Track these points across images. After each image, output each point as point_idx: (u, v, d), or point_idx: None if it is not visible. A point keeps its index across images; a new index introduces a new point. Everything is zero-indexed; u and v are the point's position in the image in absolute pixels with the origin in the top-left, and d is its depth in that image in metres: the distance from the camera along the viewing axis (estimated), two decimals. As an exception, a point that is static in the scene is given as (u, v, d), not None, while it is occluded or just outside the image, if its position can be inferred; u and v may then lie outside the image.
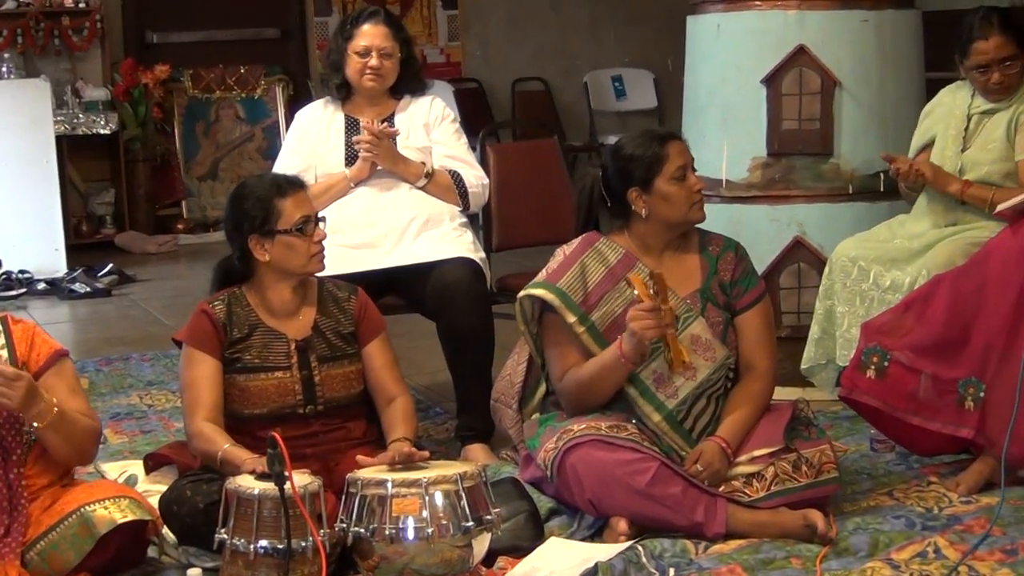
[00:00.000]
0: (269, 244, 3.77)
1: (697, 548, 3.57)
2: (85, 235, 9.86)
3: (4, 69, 9.39)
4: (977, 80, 4.59)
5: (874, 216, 5.05)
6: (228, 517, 3.31)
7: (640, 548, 3.50)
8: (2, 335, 3.48)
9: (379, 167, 4.64)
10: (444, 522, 3.30)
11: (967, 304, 4.02)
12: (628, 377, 3.79)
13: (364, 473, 3.42)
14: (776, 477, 3.70)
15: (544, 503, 3.84)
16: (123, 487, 3.69)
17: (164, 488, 3.76)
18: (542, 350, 3.98)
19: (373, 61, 4.68)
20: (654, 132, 3.97)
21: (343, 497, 3.39)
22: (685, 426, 3.82)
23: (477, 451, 4.46)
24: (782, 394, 4.12)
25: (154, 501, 3.62)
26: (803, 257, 5.20)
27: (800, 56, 5.18)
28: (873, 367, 4.11)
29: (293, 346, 3.82)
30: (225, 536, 3.30)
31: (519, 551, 3.57)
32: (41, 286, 8.26)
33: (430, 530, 3.28)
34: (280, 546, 3.23)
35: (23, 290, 8.19)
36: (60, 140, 9.13)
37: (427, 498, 3.30)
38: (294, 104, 9.20)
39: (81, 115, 9.74)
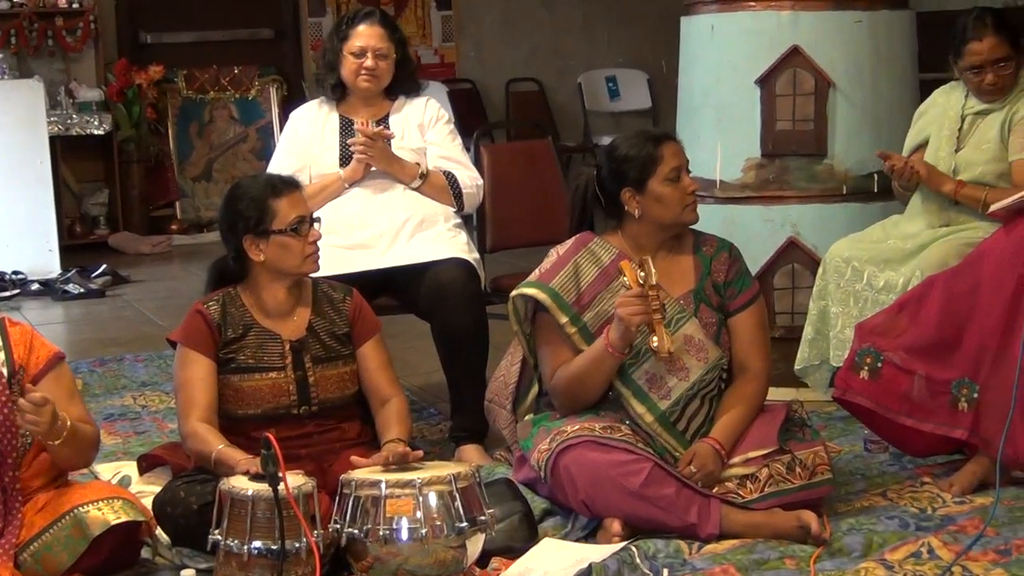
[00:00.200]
0: (264, 244, 3.77)
1: (691, 549, 3.57)
2: (79, 236, 9.85)
3: (-2, 70, 9.40)
4: (971, 81, 4.59)
5: (868, 217, 5.05)
6: (222, 518, 3.31)
7: (634, 549, 3.50)
8: (-1, 337, 3.48)
9: (373, 168, 4.64)
10: (438, 523, 3.30)
11: (961, 305, 4.03)
12: (621, 377, 3.79)
13: (358, 474, 3.42)
14: (770, 478, 3.70)
15: (538, 504, 3.84)
16: (117, 488, 3.68)
17: (158, 489, 3.76)
18: (535, 350, 3.98)
19: (368, 62, 4.68)
20: (649, 133, 3.97)
21: (337, 498, 3.39)
22: (678, 427, 3.82)
23: (471, 452, 4.47)
24: (776, 394, 4.13)
25: (148, 502, 3.62)
26: (797, 258, 5.20)
27: (794, 57, 5.18)
28: (867, 368, 4.11)
29: (287, 347, 3.82)
30: (219, 537, 3.30)
31: (513, 552, 3.57)
32: (35, 287, 8.26)
33: (424, 531, 3.28)
34: (274, 547, 3.23)
35: (16, 291, 8.20)
36: (54, 141, 9.12)
37: (421, 499, 3.30)
38: (288, 105, 9.20)
39: (75, 116, 9.73)
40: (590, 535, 3.70)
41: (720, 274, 3.94)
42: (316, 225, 3.85)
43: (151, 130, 10.20)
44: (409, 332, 5.18)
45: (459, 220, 4.75)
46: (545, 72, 11.40)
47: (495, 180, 5.22)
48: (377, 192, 4.65)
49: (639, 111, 11.43)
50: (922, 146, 4.76)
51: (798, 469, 3.72)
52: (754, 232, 5.18)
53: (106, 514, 3.36)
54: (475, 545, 3.42)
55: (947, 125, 4.69)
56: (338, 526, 3.35)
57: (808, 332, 4.78)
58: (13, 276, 8.33)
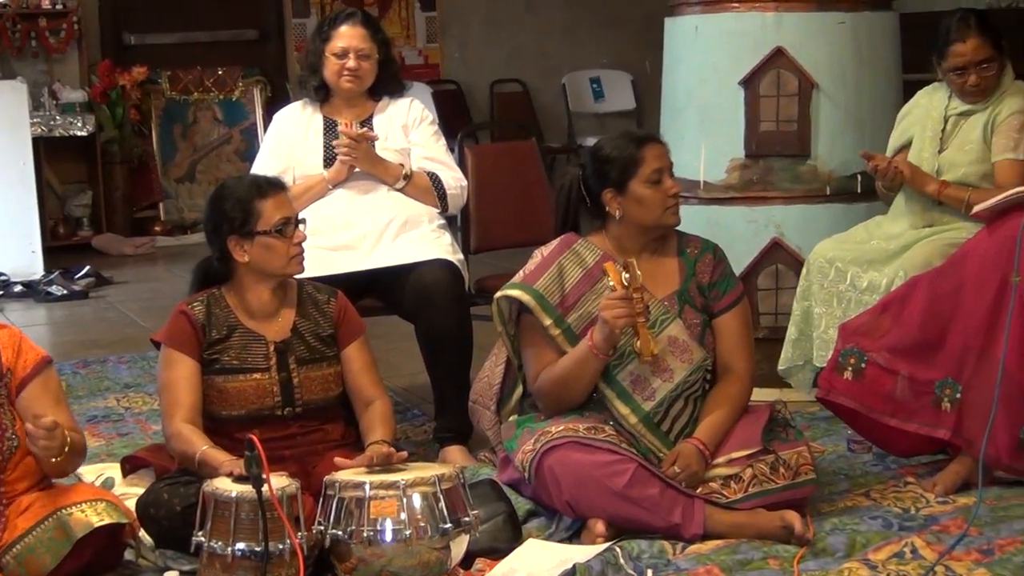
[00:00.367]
0: (248, 245, 3.77)
1: (675, 549, 3.57)
2: (62, 237, 9.84)
3: (-20, 71, 9.40)
4: (954, 82, 4.60)
5: (851, 217, 5.06)
6: (205, 520, 3.30)
7: (618, 549, 3.50)
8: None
9: (357, 169, 4.64)
10: (422, 524, 3.30)
11: (944, 305, 4.03)
12: (605, 378, 3.80)
13: (342, 475, 3.41)
14: (754, 478, 3.70)
15: (522, 505, 3.83)
16: (100, 490, 3.67)
17: (141, 491, 3.75)
18: (519, 351, 3.98)
19: (351, 62, 4.67)
20: (633, 134, 3.96)
21: (321, 499, 3.39)
22: (662, 428, 3.82)
23: (455, 453, 4.46)
24: (759, 395, 4.13)
25: (131, 504, 3.61)
26: (781, 258, 5.20)
27: (777, 58, 5.19)
28: (850, 368, 4.12)
29: (272, 348, 3.82)
30: (202, 539, 3.29)
31: (497, 553, 3.57)
32: (17, 288, 8.24)
33: (408, 532, 3.28)
34: (258, 549, 3.23)
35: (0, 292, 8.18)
36: (37, 142, 9.10)
37: (405, 500, 3.30)
38: (272, 106, 9.18)
39: (58, 117, 9.71)
40: (574, 536, 3.69)
41: (705, 275, 3.94)
42: (301, 227, 3.84)
43: (135, 131, 10.19)
44: (393, 333, 5.18)
45: (443, 221, 4.75)
46: (529, 73, 11.41)
47: (479, 181, 5.22)
48: (361, 193, 4.65)
49: (623, 112, 11.44)
50: (905, 147, 4.77)
51: (782, 469, 3.73)
52: (738, 233, 5.19)
53: (89, 516, 3.34)
54: (459, 546, 3.42)
55: (930, 126, 4.70)
56: (322, 527, 3.34)
57: (792, 332, 4.78)
58: (-5, 278, 8.32)
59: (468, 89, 11.27)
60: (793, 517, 3.59)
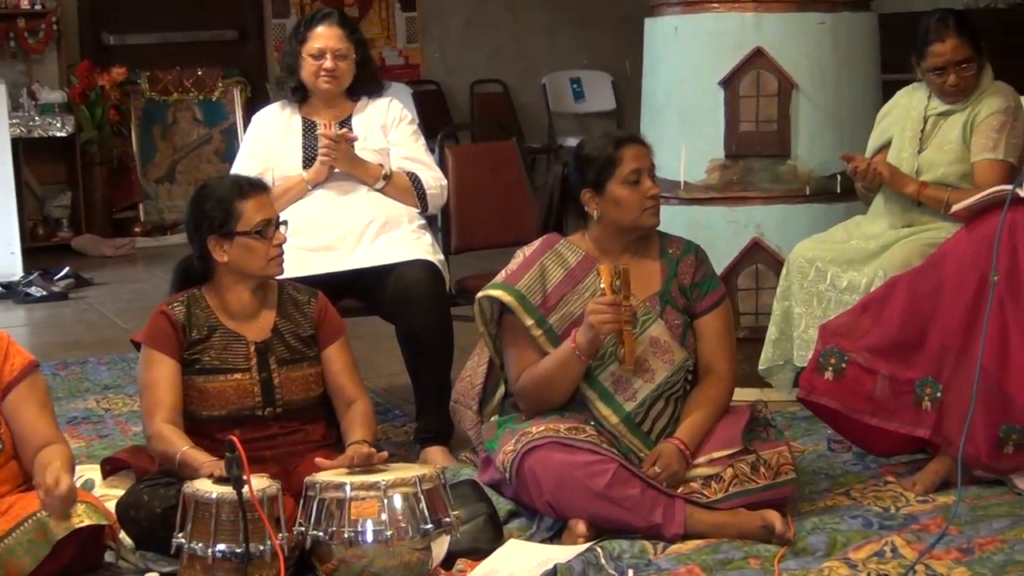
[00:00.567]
0: (228, 245, 3.76)
1: (656, 549, 3.58)
2: (41, 238, 9.80)
3: (-41, 72, 9.35)
4: (933, 82, 4.61)
5: (831, 217, 5.06)
6: (186, 521, 3.30)
7: (599, 549, 3.50)
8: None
9: (337, 169, 4.64)
10: (403, 525, 3.29)
11: (923, 305, 4.05)
12: (587, 379, 3.80)
13: (323, 476, 3.41)
14: (734, 478, 3.71)
15: (503, 505, 3.83)
16: (80, 492, 3.65)
17: (121, 492, 3.74)
18: (501, 351, 3.98)
19: (328, 63, 4.67)
20: (615, 134, 3.97)
21: (302, 500, 3.38)
22: (643, 428, 3.82)
23: (436, 453, 4.46)
24: (740, 395, 4.14)
25: (111, 506, 3.60)
26: (761, 258, 5.21)
27: (757, 58, 5.19)
28: (831, 368, 4.13)
29: (252, 348, 3.81)
30: (183, 540, 3.29)
31: (478, 553, 3.57)
32: (-4, 290, 8.22)
33: (389, 533, 3.27)
34: (238, 550, 3.22)
35: (-21, 294, 8.15)
36: (16, 143, 9.07)
37: (386, 501, 3.29)
38: (252, 106, 9.17)
39: (37, 117, 9.67)
40: (555, 536, 3.69)
41: (686, 276, 3.95)
42: (282, 228, 3.84)
43: (114, 132, 10.15)
44: (374, 334, 5.17)
45: (423, 221, 4.75)
46: (509, 73, 11.40)
47: (460, 181, 5.22)
48: (341, 194, 4.64)
49: (603, 112, 11.44)
50: (885, 147, 4.78)
51: (762, 469, 3.73)
52: (718, 233, 5.19)
53: (69, 518, 3.33)
54: (440, 547, 3.42)
55: (910, 126, 4.71)
56: (303, 528, 3.34)
57: (772, 332, 4.79)
58: (-25, 279, 8.29)
59: (448, 89, 11.26)
60: (774, 516, 3.60)
